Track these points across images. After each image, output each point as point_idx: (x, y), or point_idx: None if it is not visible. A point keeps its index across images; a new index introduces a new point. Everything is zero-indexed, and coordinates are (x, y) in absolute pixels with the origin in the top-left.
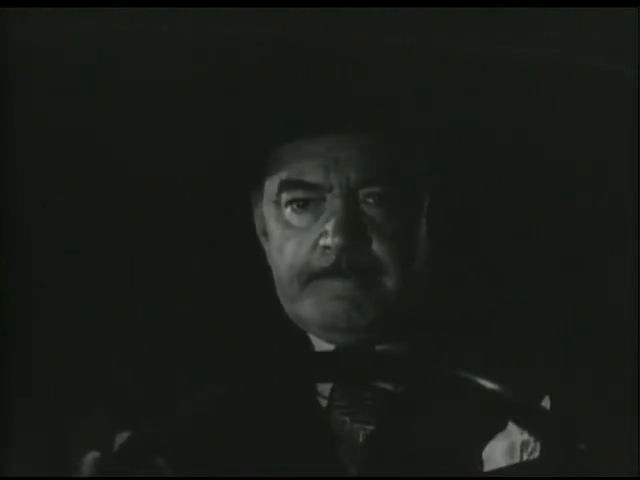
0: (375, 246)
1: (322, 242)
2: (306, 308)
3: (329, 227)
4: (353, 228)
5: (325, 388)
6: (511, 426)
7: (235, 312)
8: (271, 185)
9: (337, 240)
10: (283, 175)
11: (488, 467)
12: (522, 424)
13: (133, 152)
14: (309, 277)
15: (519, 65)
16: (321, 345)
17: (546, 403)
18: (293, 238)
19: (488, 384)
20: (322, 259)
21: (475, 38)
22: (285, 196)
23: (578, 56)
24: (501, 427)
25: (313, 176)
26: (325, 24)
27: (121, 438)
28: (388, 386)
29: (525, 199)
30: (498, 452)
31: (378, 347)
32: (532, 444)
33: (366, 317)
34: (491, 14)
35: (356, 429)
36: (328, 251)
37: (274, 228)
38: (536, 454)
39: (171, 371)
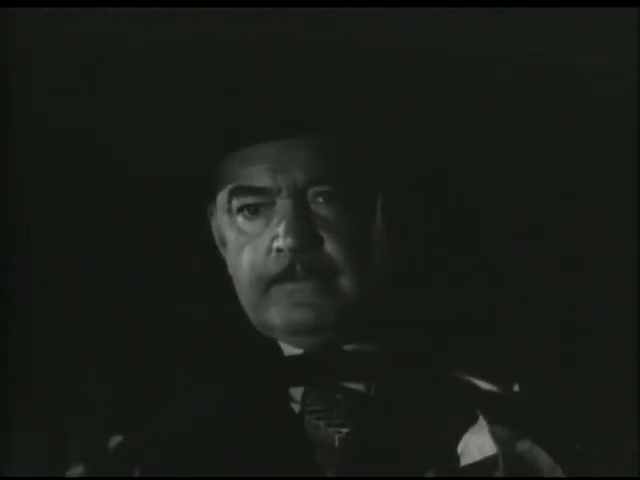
0: (328, 246)
1: (275, 245)
2: (268, 315)
3: (280, 230)
4: (304, 229)
5: (297, 392)
6: (482, 420)
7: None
8: (222, 194)
9: (289, 241)
10: (232, 183)
11: (465, 461)
12: (499, 419)
13: (133, 152)
14: (267, 283)
15: (519, 65)
16: (289, 349)
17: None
18: (248, 244)
19: (466, 380)
20: (277, 263)
21: (475, 38)
22: (235, 203)
23: (578, 56)
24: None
25: (260, 180)
26: (325, 24)
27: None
28: (360, 387)
29: (525, 199)
30: (472, 446)
31: (347, 347)
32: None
33: (326, 319)
34: (491, 14)
35: (331, 433)
36: (281, 254)
37: (230, 237)
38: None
39: (171, 371)
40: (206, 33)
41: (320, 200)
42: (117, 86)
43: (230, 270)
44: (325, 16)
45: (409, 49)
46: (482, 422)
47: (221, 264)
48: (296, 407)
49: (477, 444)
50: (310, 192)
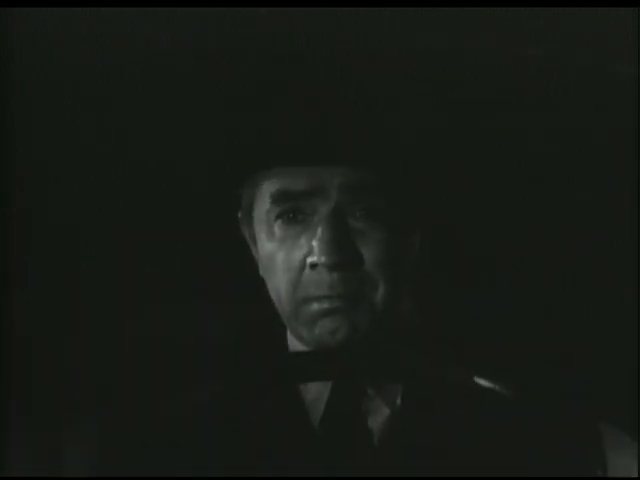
0: (366, 262)
1: (309, 260)
2: (302, 329)
3: (315, 244)
4: (340, 244)
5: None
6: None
7: (231, 313)
8: (262, 199)
9: (323, 258)
10: (274, 185)
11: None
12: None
13: (133, 152)
14: (303, 299)
15: (520, 65)
16: (295, 345)
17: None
18: (281, 252)
19: (485, 382)
20: (312, 281)
21: (476, 38)
22: (275, 208)
23: (578, 56)
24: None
25: (301, 184)
26: (325, 24)
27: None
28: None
29: (525, 200)
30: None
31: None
32: None
33: (358, 332)
34: (492, 14)
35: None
36: (316, 269)
37: (263, 240)
38: None
39: (172, 371)
40: (206, 33)
41: (358, 214)
42: (117, 86)
43: (261, 272)
44: (325, 16)
45: (408, 50)
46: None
47: (231, 264)
48: (322, 404)
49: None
50: (348, 205)
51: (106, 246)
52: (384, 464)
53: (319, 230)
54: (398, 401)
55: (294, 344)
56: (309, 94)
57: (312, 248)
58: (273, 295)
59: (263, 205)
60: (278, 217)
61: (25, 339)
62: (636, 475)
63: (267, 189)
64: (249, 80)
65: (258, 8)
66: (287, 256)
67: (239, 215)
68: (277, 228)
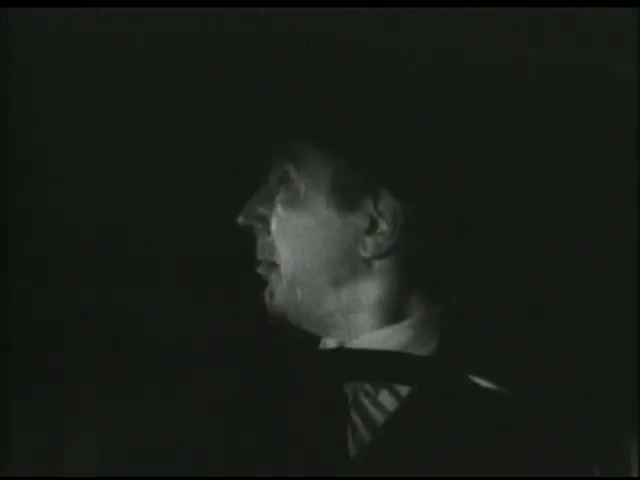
0: (274, 235)
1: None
2: None
3: None
4: (251, 206)
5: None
6: None
7: (239, 312)
8: None
9: (238, 219)
10: None
11: None
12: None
13: (133, 152)
14: None
15: (520, 65)
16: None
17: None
18: None
19: (485, 384)
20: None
21: (476, 38)
22: None
23: (578, 56)
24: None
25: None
26: (325, 24)
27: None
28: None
29: (525, 200)
30: None
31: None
32: None
33: (273, 301)
34: (492, 14)
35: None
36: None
37: None
38: None
39: (172, 371)
40: (206, 33)
41: (279, 188)
42: (117, 86)
43: None
44: (325, 16)
45: (409, 49)
46: None
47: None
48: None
49: None
50: (276, 180)
51: (106, 246)
52: (383, 464)
53: None
54: (397, 401)
55: None
56: (309, 94)
57: None
58: None
59: None
60: None
61: (25, 339)
62: (636, 475)
63: None
64: (249, 80)
65: (258, 8)
66: None
67: None
68: None
